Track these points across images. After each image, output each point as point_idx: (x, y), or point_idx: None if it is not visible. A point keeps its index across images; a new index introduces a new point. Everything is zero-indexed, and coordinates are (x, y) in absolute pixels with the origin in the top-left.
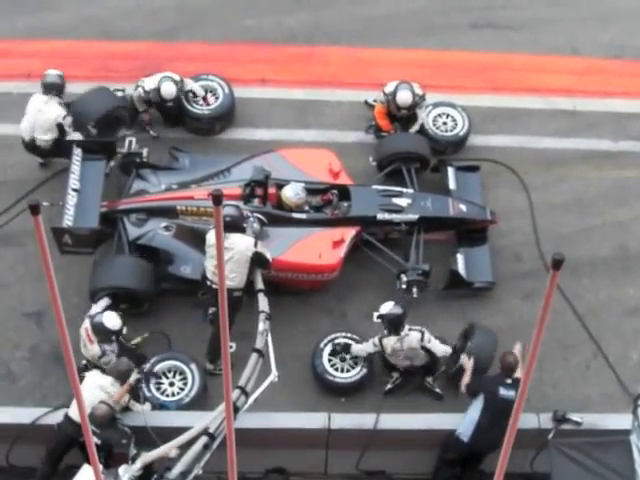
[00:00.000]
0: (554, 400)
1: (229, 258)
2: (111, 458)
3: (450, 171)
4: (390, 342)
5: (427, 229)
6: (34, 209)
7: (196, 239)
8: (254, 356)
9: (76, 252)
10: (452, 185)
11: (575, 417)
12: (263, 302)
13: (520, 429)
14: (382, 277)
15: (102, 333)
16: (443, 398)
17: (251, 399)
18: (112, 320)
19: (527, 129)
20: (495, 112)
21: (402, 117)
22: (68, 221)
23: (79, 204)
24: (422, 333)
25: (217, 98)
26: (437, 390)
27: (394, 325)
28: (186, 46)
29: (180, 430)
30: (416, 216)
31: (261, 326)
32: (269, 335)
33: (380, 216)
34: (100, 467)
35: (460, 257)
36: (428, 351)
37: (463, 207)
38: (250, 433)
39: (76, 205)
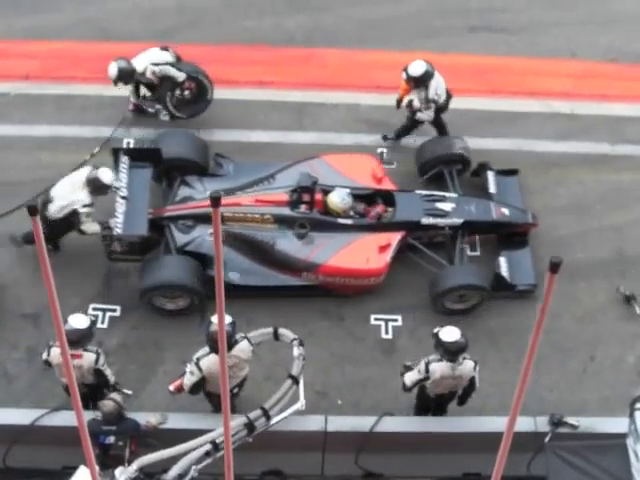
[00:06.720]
0: (551, 403)
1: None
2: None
3: (490, 175)
4: (441, 368)
5: (470, 233)
6: (32, 210)
7: (244, 245)
8: (288, 382)
9: (124, 260)
10: (492, 189)
11: (572, 420)
12: (286, 332)
13: (516, 432)
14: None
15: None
16: None
17: (272, 422)
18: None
19: (525, 132)
20: (493, 115)
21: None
22: (118, 229)
23: (128, 212)
24: (475, 363)
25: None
26: None
27: (454, 354)
28: (184, 47)
29: (181, 432)
30: (460, 220)
31: (296, 351)
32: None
33: (425, 221)
34: (97, 468)
35: (503, 260)
36: (471, 379)
37: (505, 211)
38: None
39: (125, 213)
